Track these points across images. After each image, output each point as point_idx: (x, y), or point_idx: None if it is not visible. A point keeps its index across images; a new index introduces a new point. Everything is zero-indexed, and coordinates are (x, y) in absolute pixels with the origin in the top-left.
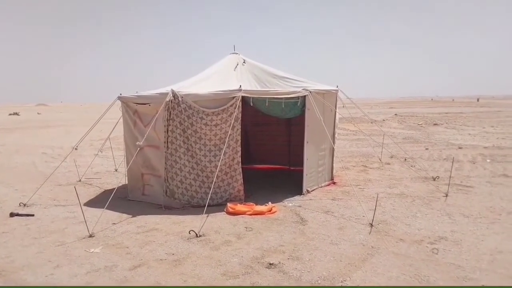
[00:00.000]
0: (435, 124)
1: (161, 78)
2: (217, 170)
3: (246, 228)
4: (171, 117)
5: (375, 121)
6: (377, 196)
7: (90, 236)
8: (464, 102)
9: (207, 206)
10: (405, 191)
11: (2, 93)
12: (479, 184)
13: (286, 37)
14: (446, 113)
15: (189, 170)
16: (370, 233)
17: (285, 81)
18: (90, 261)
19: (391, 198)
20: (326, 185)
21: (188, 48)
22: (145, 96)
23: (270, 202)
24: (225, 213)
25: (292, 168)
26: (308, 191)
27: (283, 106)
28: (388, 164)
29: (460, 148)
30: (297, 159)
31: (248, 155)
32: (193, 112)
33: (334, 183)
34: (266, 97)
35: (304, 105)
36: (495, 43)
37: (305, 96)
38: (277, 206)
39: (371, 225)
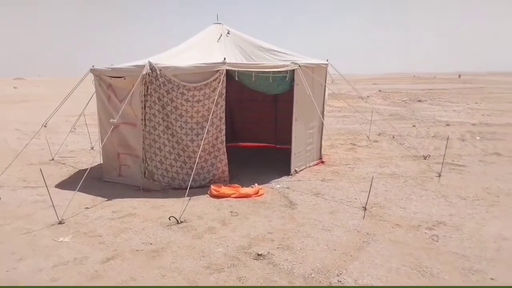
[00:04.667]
0: (419, 101)
1: (142, 51)
2: (200, 150)
3: (232, 212)
4: (149, 92)
5: (362, 97)
6: (372, 179)
7: (60, 222)
8: (446, 79)
9: (189, 188)
10: (397, 171)
11: None
12: (471, 163)
13: (264, 7)
14: (430, 89)
15: (169, 149)
16: (364, 217)
17: (273, 54)
18: (58, 252)
19: (382, 178)
20: (315, 165)
21: (171, 19)
22: (119, 68)
23: (256, 184)
24: (208, 196)
25: (278, 146)
26: (296, 171)
27: (270, 81)
28: (376, 141)
29: (447, 125)
30: (284, 137)
31: (233, 133)
32: (172, 87)
33: (322, 162)
34: (252, 71)
35: (292, 80)
36: (476, 20)
37: (294, 70)
38: (264, 188)
39: (365, 208)
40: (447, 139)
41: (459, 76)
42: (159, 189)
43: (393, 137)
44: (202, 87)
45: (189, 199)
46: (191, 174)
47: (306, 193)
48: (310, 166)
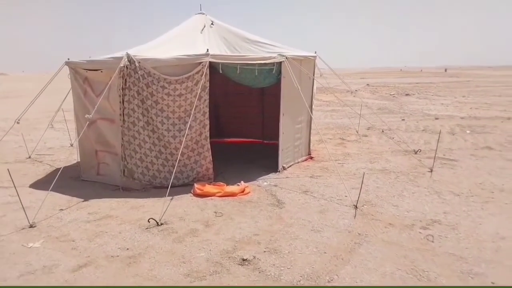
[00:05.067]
0: (407, 94)
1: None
2: (182, 147)
3: (216, 213)
4: (127, 85)
5: (352, 91)
6: (363, 176)
7: (31, 226)
8: (432, 73)
9: (171, 187)
10: (387, 166)
11: None
12: (463, 158)
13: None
14: (417, 83)
15: (150, 146)
16: (355, 216)
17: (259, 46)
18: (27, 259)
19: (373, 174)
20: (303, 161)
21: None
22: (96, 61)
23: (242, 182)
24: (192, 195)
25: (266, 141)
26: (284, 168)
27: (256, 73)
28: (366, 136)
29: (436, 118)
30: (271, 132)
31: (218, 128)
32: (152, 80)
33: (311, 158)
34: (237, 63)
35: (280, 73)
36: (461, 15)
37: (281, 62)
38: (251, 186)
39: (356, 207)
40: (439, 133)
41: (445, 70)
42: (140, 188)
43: (383, 131)
44: (184, 80)
45: (171, 198)
46: (173, 172)
47: (294, 190)
48: (298, 162)
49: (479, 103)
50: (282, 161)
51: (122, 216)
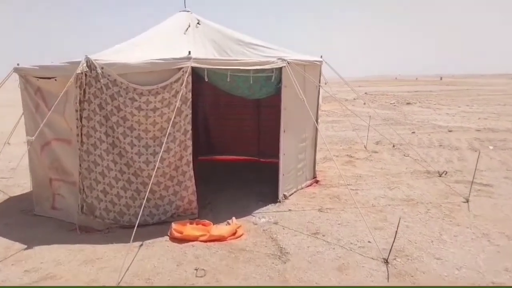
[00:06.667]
0: (408, 103)
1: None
2: (158, 175)
3: (197, 270)
4: (86, 97)
5: (364, 101)
6: (399, 222)
7: None
8: (428, 81)
9: (145, 225)
10: (412, 195)
11: None
12: (498, 182)
13: (236, 7)
14: (416, 91)
15: (116, 175)
16: (388, 278)
17: (254, 49)
18: None
19: (397, 206)
20: (308, 186)
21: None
22: (48, 67)
23: (234, 218)
24: (168, 238)
25: (262, 160)
26: (285, 197)
27: (251, 82)
28: (376, 152)
29: (450, 131)
30: (268, 148)
31: (208, 144)
32: (119, 91)
33: (317, 181)
34: (227, 69)
35: (280, 81)
36: (455, 23)
37: (281, 68)
38: (244, 224)
39: (386, 261)
40: (478, 154)
41: (441, 78)
42: (102, 228)
43: (394, 146)
44: (159, 90)
45: (140, 245)
46: (146, 207)
47: (300, 232)
48: (302, 188)
49: (486, 112)
50: (283, 188)
51: (68, 276)
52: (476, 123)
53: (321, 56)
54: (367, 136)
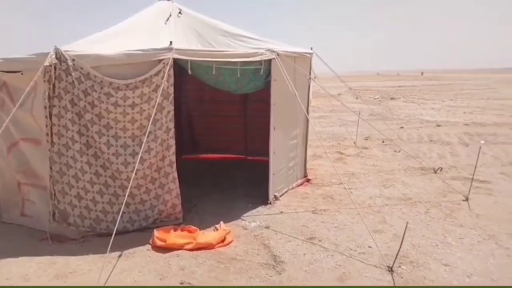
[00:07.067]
0: (392, 98)
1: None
2: (138, 177)
3: (182, 283)
4: (56, 93)
5: (356, 96)
6: (406, 228)
7: None
8: (410, 76)
9: (125, 233)
10: (409, 193)
11: None
12: (495, 178)
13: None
14: (399, 86)
15: (91, 178)
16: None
17: (241, 41)
18: None
19: (394, 206)
20: (299, 185)
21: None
22: (15, 59)
23: (222, 223)
24: (150, 247)
25: (250, 158)
26: (276, 198)
27: (238, 75)
28: (366, 148)
29: (438, 126)
30: (256, 146)
31: (192, 142)
32: (93, 85)
33: (308, 180)
34: (212, 61)
35: (269, 74)
36: (434, 20)
37: (270, 60)
38: (233, 229)
39: (391, 270)
40: (479, 150)
41: (422, 73)
42: (77, 237)
43: (383, 142)
44: (138, 84)
45: (119, 255)
46: (125, 213)
47: (295, 237)
48: (293, 188)
49: (470, 107)
50: (273, 188)
51: None
52: (463, 117)
53: (311, 48)
54: (357, 131)
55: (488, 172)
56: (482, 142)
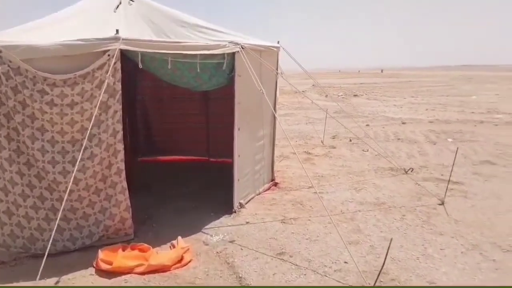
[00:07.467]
0: (355, 95)
1: None
2: (80, 188)
3: None
4: None
5: (341, 95)
6: (390, 243)
7: None
8: (370, 73)
9: (67, 253)
10: (381, 197)
11: None
12: (468, 179)
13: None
14: (361, 83)
15: (24, 190)
16: None
17: (201, 32)
18: None
19: (368, 212)
20: (266, 190)
21: None
22: None
23: (179, 238)
24: (94, 271)
25: (212, 160)
26: (241, 205)
27: (198, 70)
28: (334, 148)
29: (403, 123)
30: (219, 146)
31: (149, 143)
32: (24, 81)
33: (275, 184)
34: (167, 53)
35: (232, 69)
36: (393, 18)
37: (234, 53)
38: (193, 245)
39: None
40: (456, 151)
41: (382, 71)
42: (7, 259)
43: (351, 140)
44: (77, 80)
45: (56, 282)
46: (65, 230)
47: (262, 252)
48: (260, 193)
49: (432, 103)
50: (238, 195)
51: None
52: (425, 114)
53: (278, 42)
54: (324, 130)
55: (460, 173)
56: (450, 140)
